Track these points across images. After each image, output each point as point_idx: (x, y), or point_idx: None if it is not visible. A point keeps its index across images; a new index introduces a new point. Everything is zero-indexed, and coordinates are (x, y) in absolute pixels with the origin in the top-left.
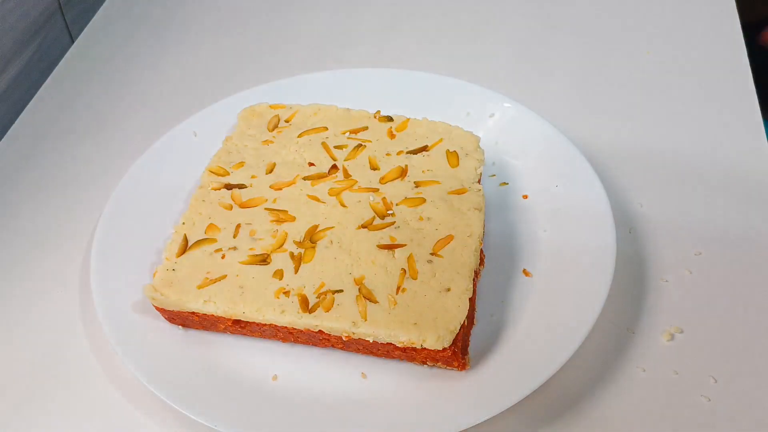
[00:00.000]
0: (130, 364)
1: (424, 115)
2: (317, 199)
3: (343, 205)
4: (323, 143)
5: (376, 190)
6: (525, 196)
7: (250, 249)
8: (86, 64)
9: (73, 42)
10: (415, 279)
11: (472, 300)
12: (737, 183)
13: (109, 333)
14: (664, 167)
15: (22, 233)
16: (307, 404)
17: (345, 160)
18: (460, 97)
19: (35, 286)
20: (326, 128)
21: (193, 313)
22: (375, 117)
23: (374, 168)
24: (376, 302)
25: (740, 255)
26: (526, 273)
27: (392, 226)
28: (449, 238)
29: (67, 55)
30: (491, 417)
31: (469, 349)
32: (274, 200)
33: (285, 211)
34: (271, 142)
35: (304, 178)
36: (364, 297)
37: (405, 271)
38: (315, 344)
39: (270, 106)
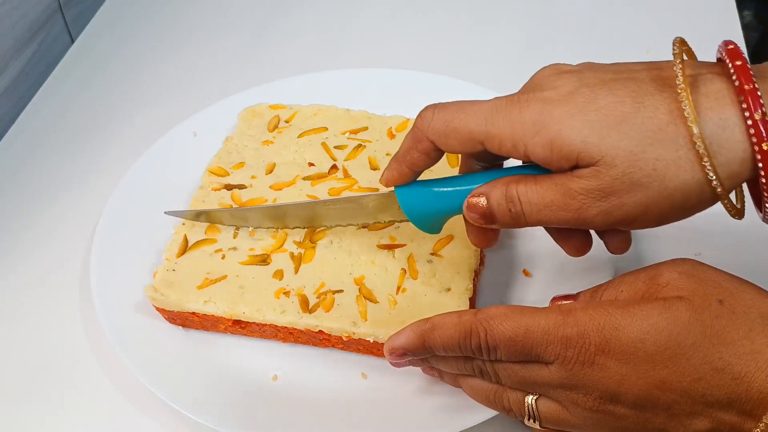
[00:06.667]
0: (130, 364)
1: None
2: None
3: None
4: (323, 143)
5: (376, 190)
6: None
7: (250, 249)
8: (86, 64)
9: (73, 42)
10: (415, 279)
11: (472, 300)
12: None
13: (109, 333)
14: None
15: (21, 233)
16: (307, 404)
17: (345, 160)
18: (460, 97)
19: (35, 286)
20: (326, 128)
21: (193, 313)
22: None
23: (374, 168)
24: (376, 302)
25: (740, 255)
26: (526, 273)
27: (392, 226)
28: (449, 237)
29: (67, 55)
30: (491, 417)
31: None
32: (274, 200)
33: None
34: (271, 142)
35: (304, 179)
36: (364, 297)
37: (405, 270)
38: (315, 344)
39: (270, 107)
